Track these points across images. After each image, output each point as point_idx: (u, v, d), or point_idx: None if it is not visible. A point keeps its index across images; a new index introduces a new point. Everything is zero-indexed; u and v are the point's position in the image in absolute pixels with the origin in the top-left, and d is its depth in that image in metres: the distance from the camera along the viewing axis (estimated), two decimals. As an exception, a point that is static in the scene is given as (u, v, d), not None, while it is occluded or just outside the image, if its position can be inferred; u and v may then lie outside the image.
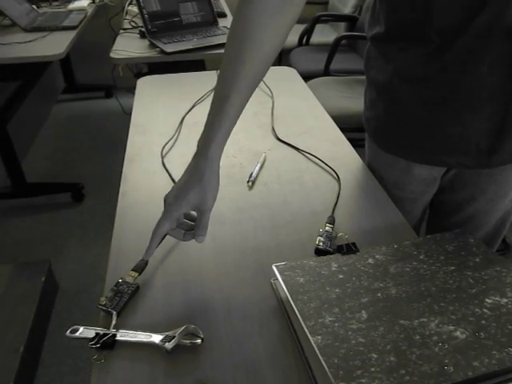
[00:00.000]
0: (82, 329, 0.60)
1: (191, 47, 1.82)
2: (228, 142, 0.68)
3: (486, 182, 0.88)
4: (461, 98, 0.76)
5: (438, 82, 0.76)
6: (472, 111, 0.77)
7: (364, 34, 0.88)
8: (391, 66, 0.82)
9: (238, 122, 0.68)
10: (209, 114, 0.67)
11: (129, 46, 1.89)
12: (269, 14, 0.65)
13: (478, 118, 0.77)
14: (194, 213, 0.69)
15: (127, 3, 2.40)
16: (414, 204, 0.98)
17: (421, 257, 0.67)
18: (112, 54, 1.84)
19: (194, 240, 0.68)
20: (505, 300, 0.58)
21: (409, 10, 0.72)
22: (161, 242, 0.71)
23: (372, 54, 0.89)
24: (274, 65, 0.71)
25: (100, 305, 0.63)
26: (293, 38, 2.75)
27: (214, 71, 1.43)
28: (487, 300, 0.59)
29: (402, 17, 0.74)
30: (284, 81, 1.38)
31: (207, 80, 1.37)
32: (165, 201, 0.67)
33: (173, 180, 0.91)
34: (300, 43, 2.78)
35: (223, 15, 2.26)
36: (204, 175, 0.65)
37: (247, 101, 0.68)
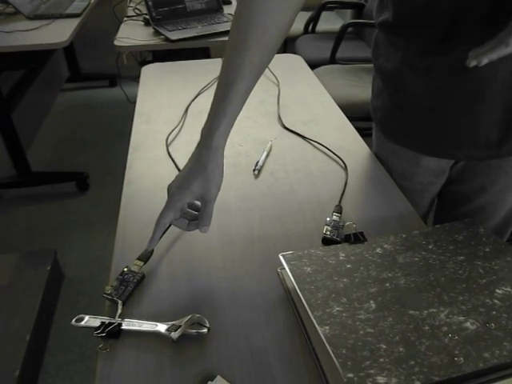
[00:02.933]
0: (87, 318, 0.60)
1: (196, 34, 1.80)
2: (233, 130, 0.67)
3: (496, 172, 0.86)
4: (471, 89, 0.74)
5: (447, 72, 0.75)
6: (483, 102, 0.75)
7: (371, 22, 0.87)
8: (400, 53, 0.80)
9: (243, 110, 0.67)
10: (212, 102, 0.66)
11: (133, 34, 1.87)
12: None
13: (489, 109, 0.76)
14: (197, 202, 0.68)
15: (131, -10, 2.38)
16: (421, 195, 0.97)
17: (430, 246, 0.66)
18: (116, 42, 1.82)
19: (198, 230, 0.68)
20: (516, 290, 0.57)
21: None
22: (165, 232, 0.71)
23: (380, 42, 0.87)
24: (279, 53, 0.69)
25: (105, 294, 0.63)
26: (298, 26, 2.72)
27: (219, 59, 1.41)
28: (498, 290, 0.58)
29: (409, 3, 0.73)
30: (290, 69, 1.36)
31: (212, 68, 1.35)
32: (168, 190, 0.66)
33: (178, 168, 0.90)
34: (306, 31, 2.75)
35: (228, 2, 2.23)
36: (208, 165, 0.64)
37: (252, 88, 0.66)
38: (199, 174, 0.64)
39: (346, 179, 0.87)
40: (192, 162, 0.65)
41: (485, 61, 0.60)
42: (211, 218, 0.67)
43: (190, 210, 0.69)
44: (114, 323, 0.58)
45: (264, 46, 0.65)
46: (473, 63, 0.62)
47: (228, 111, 0.64)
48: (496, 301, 0.56)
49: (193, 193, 0.64)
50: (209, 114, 0.66)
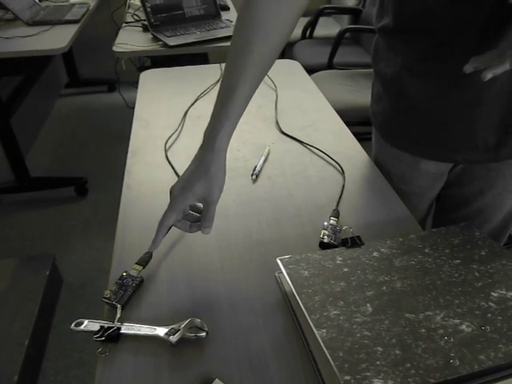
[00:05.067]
0: (86, 322, 0.60)
1: (194, 40, 1.81)
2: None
3: (494, 176, 0.87)
4: (469, 93, 0.75)
5: (445, 77, 0.75)
6: (481, 106, 0.76)
7: (368, 27, 0.88)
8: (399, 59, 0.81)
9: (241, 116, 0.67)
10: (215, 105, 0.66)
11: (131, 40, 1.89)
12: (276, 3, 0.64)
13: (487, 113, 0.77)
14: (199, 204, 0.69)
15: (130, -4, 2.39)
16: (420, 198, 0.97)
17: (426, 250, 0.66)
18: (115, 48, 1.83)
19: (198, 233, 0.68)
20: (511, 293, 0.58)
21: (416, 1, 0.71)
22: (165, 234, 0.71)
23: (380, 47, 0.88)
24: (277, 58, 0.70)
25: (104, 298, 0.63)
26: (296, 31, 2.73)
27: (217, 64, 1.42)
28: (493, 293, 0.58)
29: (409, 9, 0.74)
30: (288, 74, 1.37)
31: (210, 73, 1.36)
32: (171, 192, 0.66)
33: (176, 173, 0.91)
34: (303, 36, 2.76)
35: (226, 8, 2.25)
36: (210, 167, 0.64)
37: (254, 91, 0.67)
38: (202, 176, 0.64)
39: (344, 184, 0.88)
40: (195, 164, 0.66)
41: (489, 76, 0.60)
42: (213, 219, 0.67)
43: (192, 212, 0.70)
44: (113, 327, 0.59)
45: (266, 49, 0.66)
46: (469, 70, 0.62)
47: (231, 114, 0.65)
48: (491, 304, 0.57)
49: (195, 194, 0.65)
50: (211, 117, 0.66)
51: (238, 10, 0.67)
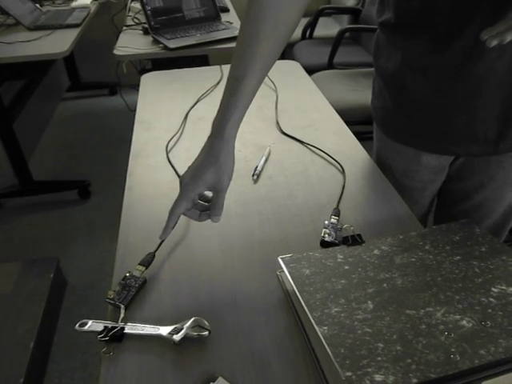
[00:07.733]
0: (90, 322, 0.61)
1: (194, 42, 1.82)
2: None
3: (494, 169, 0.87)
4: (469, 86, 0.76)
5: (445, 70, 0.76)
6: (481, 99, 0.77)
7: (368, 26, 0.89)
8: (400, 53, 0.82)
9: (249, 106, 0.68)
10: (223, 95, 0.67)
11: (132, 43, 1.89)
12: None
13: (487, 106, 0.77)
14: (208, 193, 0.70)
15: (130, 0, 2.40)
16: (422, 193, 0.98)
17: (426, 247, 0.67)
18: (115, 51, 1.84)
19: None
20: (511, 289, 0.58)
21: None
22: (174, 226, 0.71)
23: (381, 43, 0.89)
24: (281, 52, 0.71)
25: (108, 298, 0.64)
26: (296, 32, 2.72)
27: (218, 66, 1.43)
28: (493, 289, 0.59)
29: (410, 3, 0.74)
30: (288, 74, 1.38)
31: (211, 75, 1.37)
32: (181, 181, 0.67)
33: (178, 175, 0.91)
34: (303, 37, 2.77)
35: (226, 10, 2.25)
36: (220, 155, 0.65)
37: (261, 83, 0.68)
38: (212, 165, 0.65)
39: (344, 183, 0.88)
40: (204, 153, 0.67)
41: (494, 42, 0.60)
42: (223, 207, 0.68)
43: (200, 201, 0.71)
44: (116, 327, 0.59)
45: (274, 40, 0.67)
46: (485, 37, 0.61)
47: (239, 104, 0.66)
48: (491, 299, 0.57)
49: (206, 183, 0.66)
50: (220, 107, 0.67)
51: (243, 7, 0.68)
